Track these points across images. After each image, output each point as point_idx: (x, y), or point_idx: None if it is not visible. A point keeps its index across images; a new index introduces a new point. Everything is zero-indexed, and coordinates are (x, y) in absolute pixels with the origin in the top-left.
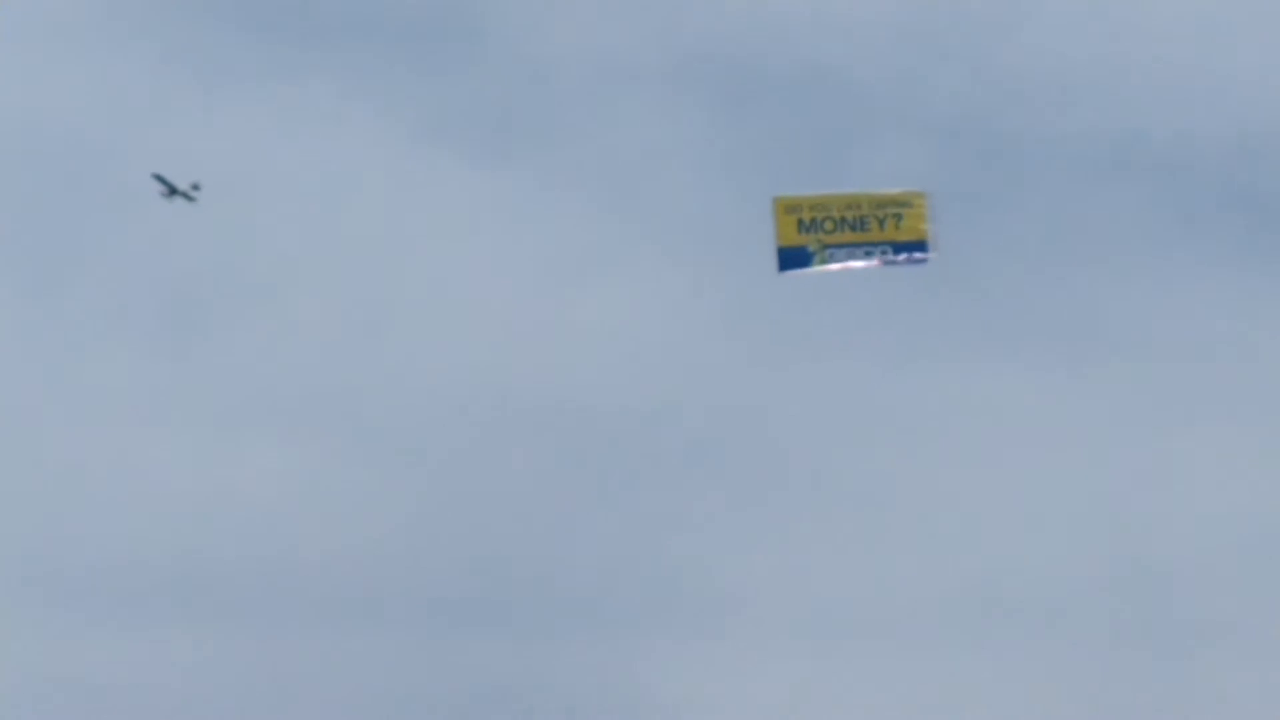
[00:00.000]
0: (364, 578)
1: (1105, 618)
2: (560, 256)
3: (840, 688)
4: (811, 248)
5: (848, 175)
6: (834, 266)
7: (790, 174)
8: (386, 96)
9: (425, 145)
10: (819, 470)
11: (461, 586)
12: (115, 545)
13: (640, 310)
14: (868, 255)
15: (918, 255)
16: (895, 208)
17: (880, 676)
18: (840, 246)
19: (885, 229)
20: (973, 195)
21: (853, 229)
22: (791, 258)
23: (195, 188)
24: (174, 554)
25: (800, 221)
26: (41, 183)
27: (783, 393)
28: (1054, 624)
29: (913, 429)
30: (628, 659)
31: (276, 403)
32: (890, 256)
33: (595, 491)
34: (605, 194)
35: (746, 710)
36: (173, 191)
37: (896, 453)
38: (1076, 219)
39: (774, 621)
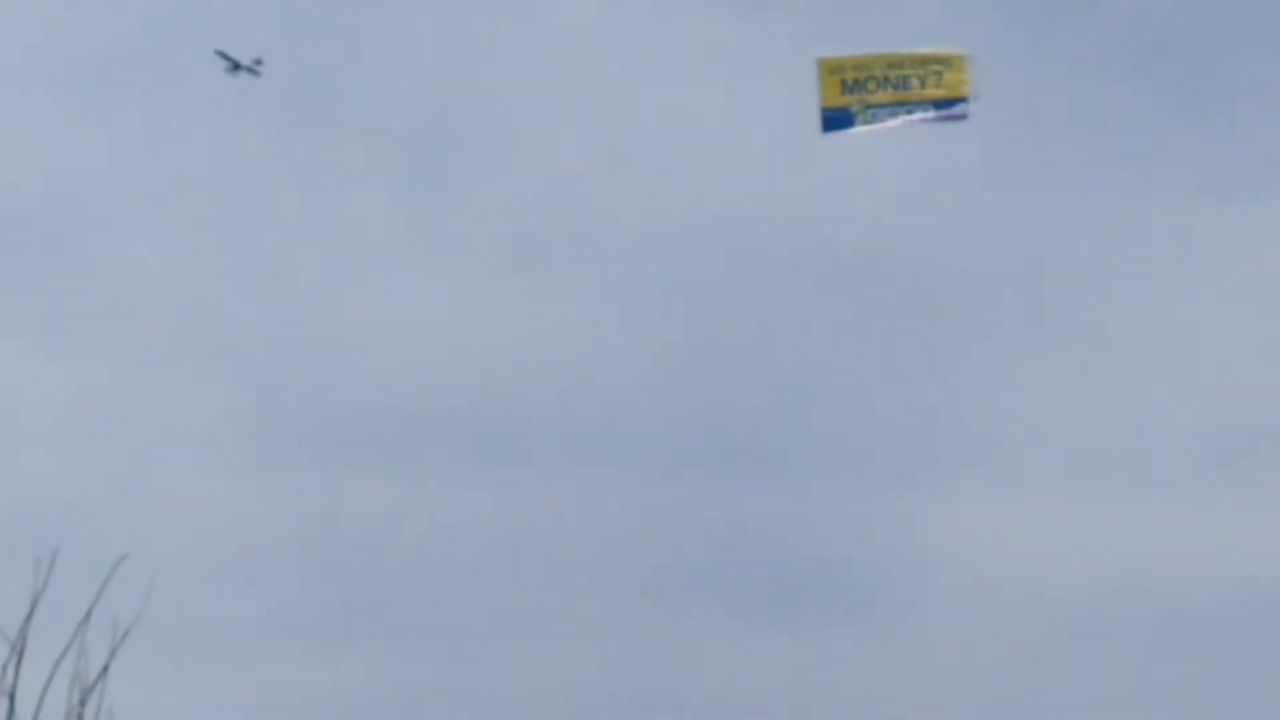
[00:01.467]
0: (615, 424)
1: None
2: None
3: (1100, 529)
4: (855, 108)
5: (1117, 10)
6: (877, 127)
7: (1044, 14)
8: None
9: None
10: (1075, 310)
11: (714, 433)
12: (367, 392)
13: (896, 153)
14: (910, 114)
15: (958, 111)
16: (936, 65)
17: (1141, 517)
18: (883, 106)
19: (927, 87)
20: (1231, 37)
21: (895, 88)
22: (835, 119)
23: (258, 62)
24: (426, 401)
25: (844, 82)
26: (288, 20)
27: (1037, 234)
28: None
29: (1172, 267)
30: (881, 504)
31: (528, 247)
32: (932, 114)
33: (848, 336)
34: (861, 35)
35: (1003, 553)
36: (236, 66)
37: (1155, 292)
38: None
39: (1032, 464)
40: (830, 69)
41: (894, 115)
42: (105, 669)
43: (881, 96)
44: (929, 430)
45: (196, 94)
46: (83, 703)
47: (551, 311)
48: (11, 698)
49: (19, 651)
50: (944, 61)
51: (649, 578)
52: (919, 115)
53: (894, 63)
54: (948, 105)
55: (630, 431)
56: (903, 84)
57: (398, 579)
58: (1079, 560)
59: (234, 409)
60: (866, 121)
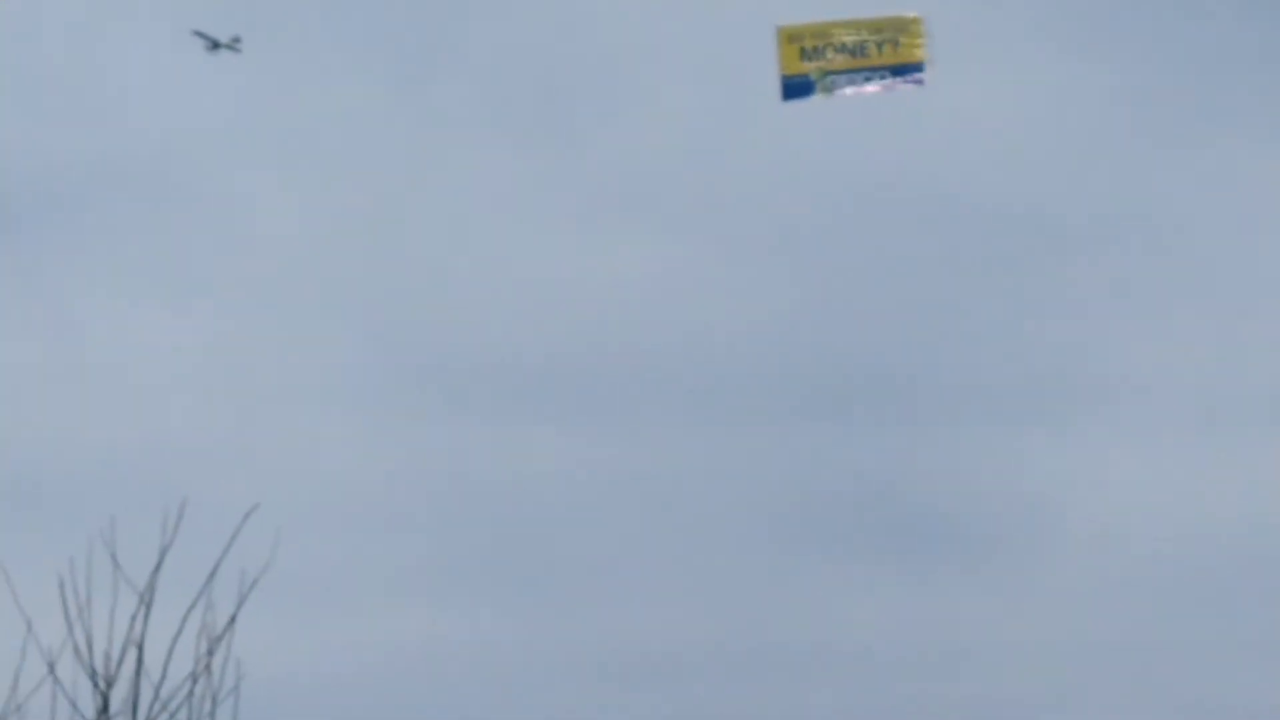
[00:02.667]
0: (737, 372)
1: None
2: (935, 43)
3: (1230, 475)
4: (814, 76)
5: None
6: (836, 93)
7: None
8: None
9: None
10: (1202, 253)
11: (836, 380)
12: (491, 341)
13: (1020, 93)
14: (867, 80)
15: (915, 78)
16: (893, 32)
17: (1270, 463)
18: (841, 73)
19: (884, 53)
20: None
21: (852, 55)
22: (794, 87)
23: (236, 40)
24: (542, 350)
25: (803, 50)
26: None
27: (1164, 176)
28: None
29: None
30: (1006, 450)
31: (650, 196)
32: (889, 81)
33: (971, 282)
34: None
35: (1129, 500)
36: (215, 45)
37: None
38: None
39: (1159, 409)
40: (789, 37)
41: (852, 82)
42: (233, 620)
43: (839, 63)
44: (1054, 375)
45: (319, 40)
46: (210, 653)
47: (673, 260)
48: (140, 648)
49: (147, 602)
50: (900, 27)
51: (770, 526)
52: (877, 82)
53: (852, 29)
54: (905, 71)
55: (752, 379)
56: (860, 50)
57: (523, 529)
58: (1207, 506)
59: (360, 359)
60: (826, 89)
